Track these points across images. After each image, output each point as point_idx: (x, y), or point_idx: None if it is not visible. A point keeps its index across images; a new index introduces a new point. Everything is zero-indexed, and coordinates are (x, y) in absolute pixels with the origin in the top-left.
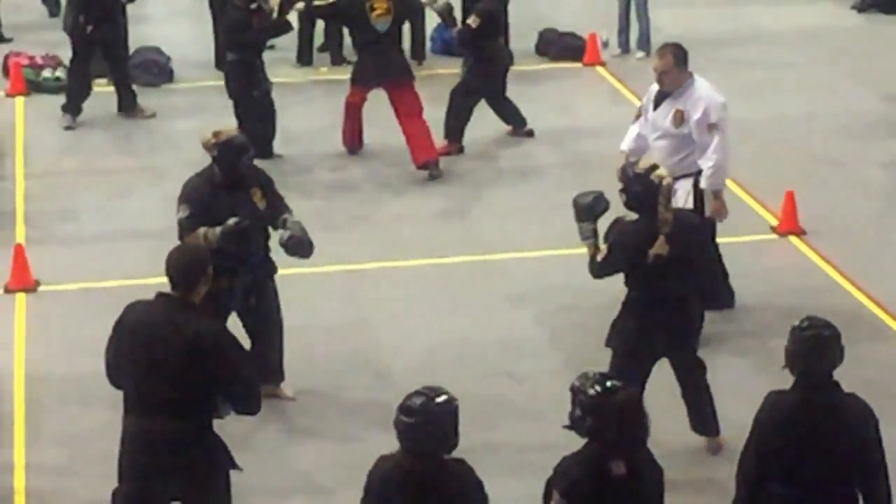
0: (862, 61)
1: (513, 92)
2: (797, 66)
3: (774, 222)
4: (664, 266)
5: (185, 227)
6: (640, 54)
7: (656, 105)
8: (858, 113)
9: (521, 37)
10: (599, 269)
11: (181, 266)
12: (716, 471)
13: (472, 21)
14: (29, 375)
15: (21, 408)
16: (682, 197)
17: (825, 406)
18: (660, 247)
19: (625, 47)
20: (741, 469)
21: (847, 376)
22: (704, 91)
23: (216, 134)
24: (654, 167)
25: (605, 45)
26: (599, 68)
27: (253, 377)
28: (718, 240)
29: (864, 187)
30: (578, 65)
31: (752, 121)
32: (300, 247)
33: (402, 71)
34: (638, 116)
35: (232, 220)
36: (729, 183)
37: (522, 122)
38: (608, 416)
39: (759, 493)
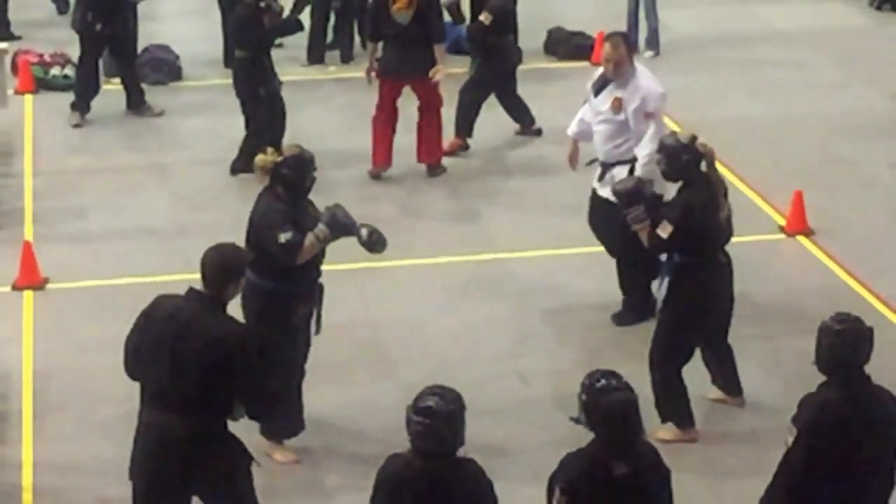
0: (871, 61)
1: (522, 90)
2: (806, 65)
3: (783, 222)
4: (723, 228)
5: (299, 244)
6: (649, 53)
7: (598, 91)
8: (868, 113)
9: (530, 35)
10: (667, 246)
11: (217, 265)
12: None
13: (485, 18)
14: (37, 372)
15: (29, 405)
16: None
17: (872, 399)
18: (726, 207)
19: (633, 47)
20: (784, 473)
21: None
22: (644, 81)
23: (277, 152)
24: (695, 137)
25: None
26: None
27: (268, 383)
28: None
29: (874, 187)
30: (587, 64)
31: (761, 120)
32: (381, 243)
33: (425, 65)
34: (585, 102)
35: (327, 211)
36: (737, 182)
37: (531, 120)
38: (600, 415)
39: (806, 496)
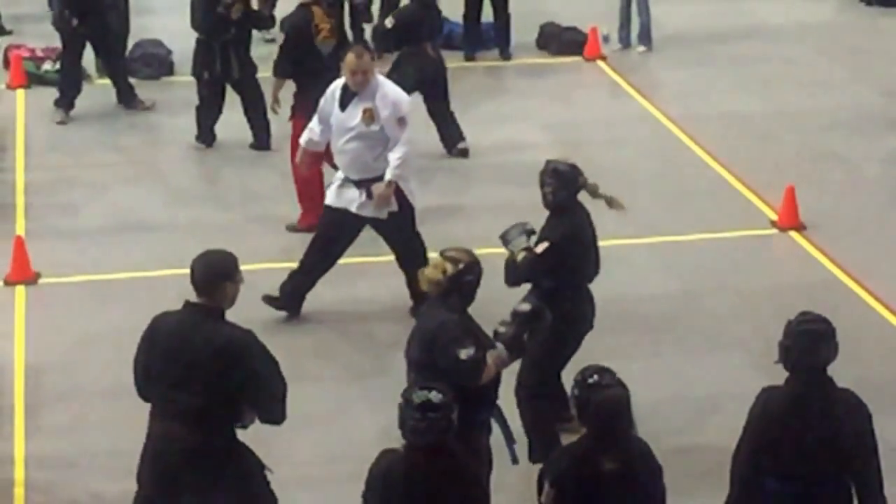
0: (863, 56)
1: (514, 86)
2: (797, 60)
3: (775, 217)
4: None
5: (482, 360)
6: (641, 49)
7: (343, 106)
8: (859, 108)
9: (523, 31)
10: (540, 265)
11: (205, 273)
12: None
13: (388, 21)
14: (29, 368)
15: (21, 400)
16: None
17: (819, 401)
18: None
19: (626, 42)
20: (735, 465)
21: (846, 371)
22: (390, 88)
23: (454, 262)
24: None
25: (606, 39)
26: (600, 62)
27: (278, 386)
28: (719, 235)
29: (865, 182)
30: (579, 59)
31: (753, 115)
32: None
33: None
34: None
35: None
36: (729, 177)
37: (454, 143)
38: (590, 411)
39: (753, 489)
